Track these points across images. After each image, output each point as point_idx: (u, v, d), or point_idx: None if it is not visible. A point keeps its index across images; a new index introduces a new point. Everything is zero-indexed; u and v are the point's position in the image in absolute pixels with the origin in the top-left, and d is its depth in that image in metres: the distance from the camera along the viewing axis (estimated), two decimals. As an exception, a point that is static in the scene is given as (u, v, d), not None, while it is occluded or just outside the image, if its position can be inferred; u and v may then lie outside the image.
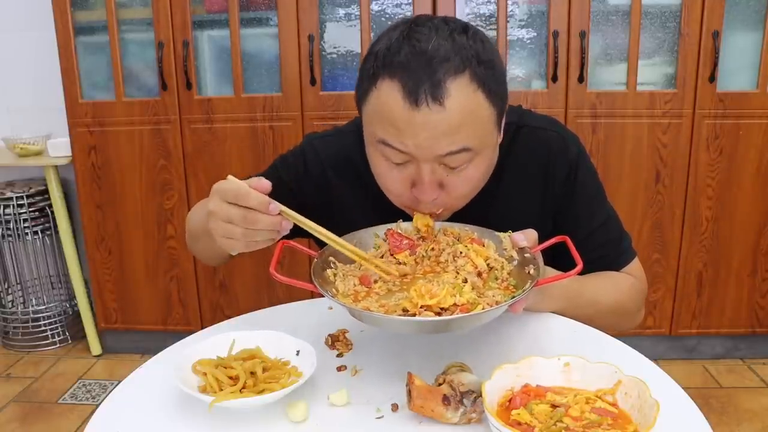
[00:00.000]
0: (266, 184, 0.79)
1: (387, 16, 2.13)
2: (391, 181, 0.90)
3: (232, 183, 0.79)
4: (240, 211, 0.77)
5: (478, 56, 0.82)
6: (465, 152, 0.84)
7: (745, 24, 2.06)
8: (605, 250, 1.05)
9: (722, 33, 2.02)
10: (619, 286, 1.05)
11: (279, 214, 0.79)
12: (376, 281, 0.81)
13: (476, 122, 0.84)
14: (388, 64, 0.82)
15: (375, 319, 0.74)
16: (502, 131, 0.93)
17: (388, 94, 0.82)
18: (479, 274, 0.81)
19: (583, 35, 2.04)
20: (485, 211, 1.00)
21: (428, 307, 0.73)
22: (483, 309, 0.73)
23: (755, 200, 2.16)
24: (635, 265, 1.09)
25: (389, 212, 0.96)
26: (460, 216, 0.95)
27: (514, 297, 0.75)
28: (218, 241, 0.81)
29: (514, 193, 1.04)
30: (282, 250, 0.84)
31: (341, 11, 2.14)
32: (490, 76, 0.84)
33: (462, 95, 0.81)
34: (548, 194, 1.04)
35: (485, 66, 0.83)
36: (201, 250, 1.08)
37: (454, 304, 0.73)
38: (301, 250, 0.90)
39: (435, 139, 0.82)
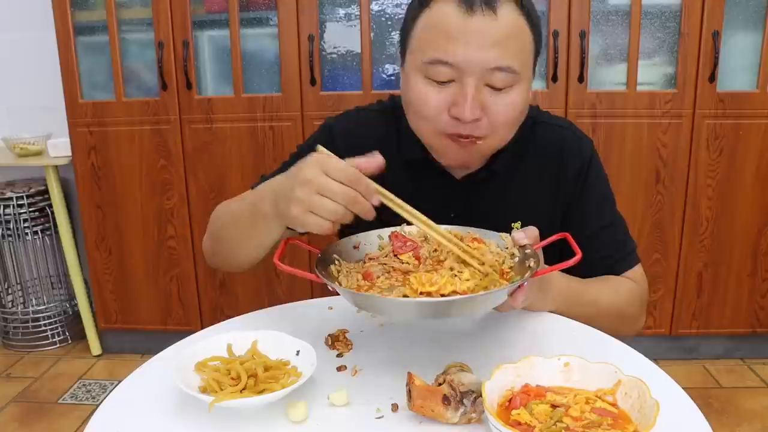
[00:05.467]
0: (381, 160, 0.78)
1: (387, 16, 2.13)
2: (431, 103, 0.90)
3: (338, 161, 0.76)
4: (345, 189, 0.75)
5: None
6: (511, 73, 0.88)
7: (745, 24, 2.07)
8: (609, 251, 1.06)
9: (722, 33, 2.02)
10: (619, 289, 1.05)
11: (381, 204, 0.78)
12: (378, 277, 0.82)
13: (522, 43, 0.89)
14: None
15: (375, 302, 0.75)
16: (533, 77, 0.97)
17: (441, 8, 0.88)
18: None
19: (583, 35, 2.04)
20: (502, 197, 1.03)
21: (428, 294, 0.74)
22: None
23: (755, 200, 2.16)
24: (638, 271, 1.09)
25: (406, 187, 0.98)
26: (477, 207, 0.98)
27: (513, 282, 0.76)
28: (298, 217, 0.76)
29: (529, 183, 1.06)
30: (286, 245, 0.86)
31: (341, 11, 2.14)
32: (533, 12, 0.91)
33: (511, 12, 0.87)
34: (560, 189, 1.06)
35: (530, 3, 0.90)
36: (230, 246, 1.00)
37: (454, 291, 0.74)
38: (302, 246, 0.91)
39: (486, 50, 0.86)
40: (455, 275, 0.77)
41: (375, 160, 0.78)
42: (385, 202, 0.80)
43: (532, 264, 0.80)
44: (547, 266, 0.82)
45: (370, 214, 0.78)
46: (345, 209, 0.75)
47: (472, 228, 0.90)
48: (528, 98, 0.95)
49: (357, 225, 0.83)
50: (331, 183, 0.75)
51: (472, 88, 0.88)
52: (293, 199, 0.77)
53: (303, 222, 0.77)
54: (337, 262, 0.85)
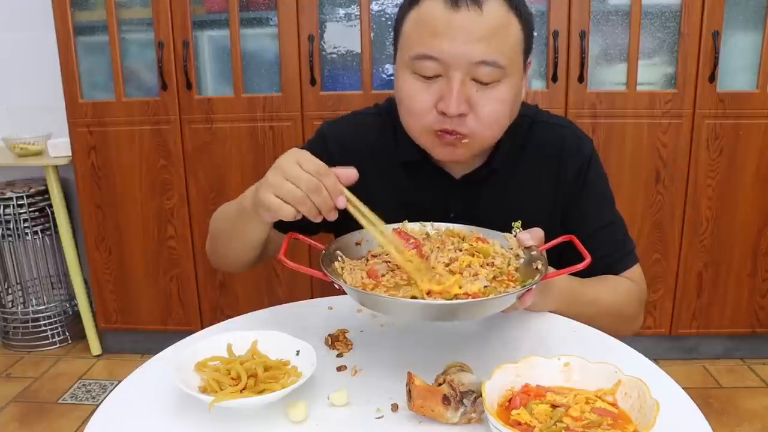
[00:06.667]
0: (354, 174, 0.82)
1: (387, 16, 2.13)
2: (419, 99, 0.92)
3: (312, 157, 0.81)
4: (309, 177, 0.79)
5: None
6: (497, 68, 0.88)
7: (745, 24, 2.06)
8: (608, 250, 1.06)
9: (722, 33, 2.02)
10: (618, 289, 1.06)
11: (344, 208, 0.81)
12: (383, 275, 0.82)
13: (508, 38, 0.89)
14: None
15: (382, 302, 0.75)
16: (527, 74, 0.98)
17: (428, 5, 0.90)
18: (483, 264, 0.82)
19: (583, 35, 2.04)
20: (501, 196, 1.03)
21: (437, 294, 0.73)
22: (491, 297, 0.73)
23: (755, 200, 2.16)
24: (636, 271, 1.09)
25: (405, 188, 1.00)
26: (476, 207, 0.98)
27: (525, 285, 0.75)
28: (264, 199, 0.81)
29: (528, 182, 1.06)
30: (289, 241, 0.86)
31: (341, 11, 2.14)
32: (523, 6, 0.91)
33: (498, 8, 0.88)
34: (559, 188, 1.06)
35: None
36: (223, 245, 1.03)
37: (465, 293, 0.74)
38: (304, 241, 0.91)
39: (471, 44, 0.87)
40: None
41: (348, 172, 0.82)
42: (350, 208, 0.82)
43: (540, 266, 0.79)
44: (554, 269, 0.82)
45: (331, 214, 0.81)
46: (305, 196, 0.79)
47: (476, 227, 0.90)
48: (518, 94, 0.95)
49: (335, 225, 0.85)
50: (299, 170, 0.79)
51: (457, 82, 0.88)
52: (264, 183, 0.82)
53: (266, 202, 0.80)
54: (340, 259, 0.85)
